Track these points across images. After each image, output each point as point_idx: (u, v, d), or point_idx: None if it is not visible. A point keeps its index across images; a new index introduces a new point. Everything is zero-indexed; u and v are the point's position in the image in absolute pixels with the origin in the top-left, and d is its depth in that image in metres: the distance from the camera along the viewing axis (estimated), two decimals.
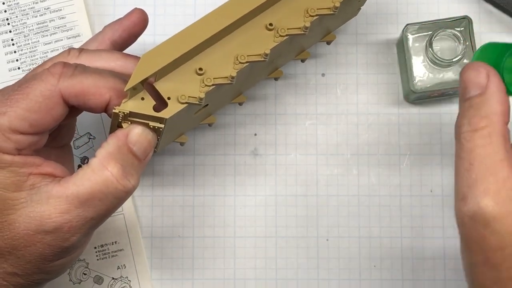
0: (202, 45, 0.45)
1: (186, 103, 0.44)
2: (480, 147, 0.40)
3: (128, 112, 0.43)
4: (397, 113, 0.58)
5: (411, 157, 0.57)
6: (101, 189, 0.43)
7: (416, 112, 0.58)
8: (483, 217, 0.39)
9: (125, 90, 0.43)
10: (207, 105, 0.48)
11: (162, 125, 0.44)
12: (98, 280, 0.56)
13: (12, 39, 0.57)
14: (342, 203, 0.57)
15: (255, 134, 0.58)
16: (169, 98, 0.44)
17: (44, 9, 0.57)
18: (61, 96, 0.44)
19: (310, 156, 0.57)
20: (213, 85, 0.45)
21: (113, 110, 0.43)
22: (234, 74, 0.45)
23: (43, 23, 0.57)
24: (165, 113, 0.44)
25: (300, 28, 0.46)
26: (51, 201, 0.43)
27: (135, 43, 0.51)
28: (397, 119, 0.57)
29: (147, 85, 0.44)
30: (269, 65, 0.51)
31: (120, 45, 0.50)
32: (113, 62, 0.47)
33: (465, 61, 0.54)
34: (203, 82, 0.45)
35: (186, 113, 0.46)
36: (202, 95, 0.44)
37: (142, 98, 0.44)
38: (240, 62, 0.45)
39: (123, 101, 0.44)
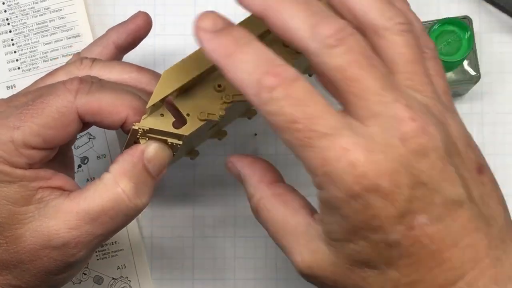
0: None
1: (205, 120, 0.44)
2: (267, 220, 0.42)
3: (147, 128, 0.43)
4: None
5: None
6: (113, 207, 0.42)
7: None
8: (306, 273, 0.41)
9: (147, 107, 0.42)
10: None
11: (180, 142, 0.44)
12: (98, 280, 0.56)
13: (12, 39, 0.57)
14: None
15: (255, 134, 0.58)
16: (188, 115, 0.44)
17: (44, 9, 0.57)
18: (77, 113, 0.43)
19: None
20: (232, 102, 0.44)
21: (133, 127, 0.43)
22: None
23: (43, 23, 0.57)
24: (184, 130, 0.43)
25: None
26: (59, 216, 0.42)
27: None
28: None
29: (166, 102, 0.44)
30: None
31: (124, 49, 0.50)
32: (126, 74, 0.46)
33: (465, 61, 0.54)
34: (222, 99, 0.44)
35: (203, 130, 0.46)
36: (222, 112, 0.44)
37: (162, 115, 0.43)
38: None
39: (143, 117, 0.43)
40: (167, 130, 0.43)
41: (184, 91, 0.44)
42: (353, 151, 0.35)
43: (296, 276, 0.56)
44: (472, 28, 0.53)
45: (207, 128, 0.47)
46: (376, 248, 0.36)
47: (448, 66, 0.53)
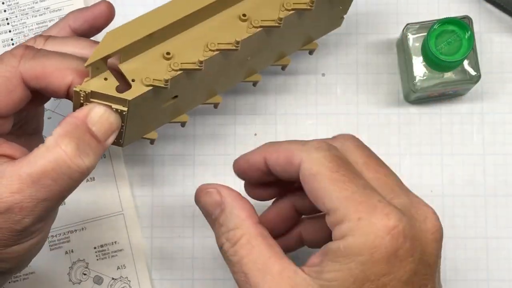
0: (172, 30, 0.43)
1: (150, 85, 0.43)
2: (246, 257, 0.42)
3: (89, 91, 0.42)
4: (397, 113, 0.58)
5: (411, 157, 0.57)
6: (54, 168, 0.41)
7: (416, 112, 0.58)
8: None
9: (85, 65, 0.41)
10: (176, 96, 0.47)
11: (126, 108, 0.43)
12: (98, 280, 0.56)
13: (12, 39, 0.57)
14: None
15: (255, 134, 0.58)
16: (133, 80, 0.43)
17: (44, 9, 0.57)
18: (21, 78, 0.43)
19: None
20: (180, 69, 0.43)
21: (74, 88, 0.42)
22: (202, 59, 0.43)
23: (42, 23, 0.57)
24: (128, 95, 0.42)
25: (274, 20, 0.45)
26: (3, 181, 0.41)
27: None
28: (397, 119, 0.57)
29: (113, 68, 0.43)
30: (244, 64, 0.49)
31: (80, 35, 0.49)
32: (79, 49, 0.45)
33: (465, 61, 0.54)
34: (170, 66, 0.43)
35: (153, 103, 0.45)
36: (168, 77, 0.43)
37: (105, 79, 0.42)
38: (210, 50, 0.44)
39: (85, 80, 0.42)
40: (109, 94, 0.42)
41: (132, 57, 0.43)
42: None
43: None
44: (472, 28, 0.53)
45: (160, 102, 0.46)
46: None
47: (448, 66, 0.53)
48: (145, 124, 0.48)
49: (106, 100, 0.43)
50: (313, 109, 0.58)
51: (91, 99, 0.42)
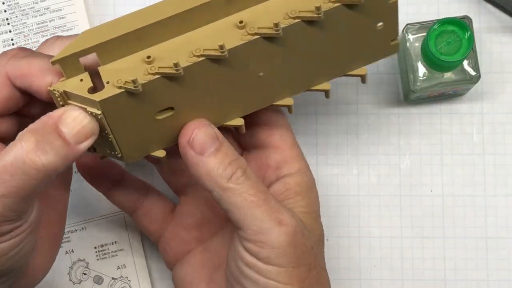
0: (158, 34, 0.42)
1: (120, 87, 0.41)
2: (255, 180, 0.44)
3: (62, 91, 0.41)
4: (397, 113, 0.58)
5: (411, 157, 0.57)
6: (12, 162, 0.40)
7: (416, 112, 0.58)
8: (300, 227, 0.44)
9: (51, 61, 0.41)
10: (172, 108, 0.44)
11: (99, 112, 0.41)
12: (98, 280, 0.56)
13: (12, 39, 0.57)
14: (342, 203, 0.57)
15: None
16: (108, 82, 0.41)
17: (44, 9, 0.57)
18: (7, 77, 0.43)
19: (310, 156, 0.57)
20: (156, 73, 0.41)
21: (48, 88, 0.41)
22: (182, 64, 0.41)
23: (43, 23, 0.57)
24: (97, 96, 0.40)
25: (271, 27, 0.41)
26: None
27: None
28: (397, 119, 0.57)
29: (93, 70, 0.42)
30: (260, 81, 0.44)
31: None
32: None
33: (465, 61, 0.54)
34: (147, 70, 0.41)
35: (141, 111, 0.43)
36: (141, 80, 0.41)
37: (81, 80, 0.41)
38: (194, 55, 0.41)
39: (60, 79, 0.42)
40: (79, 94, 0.41)
41: (113, 60, 0.42)
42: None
43: None
44: (472, 28, 0.53)
45: (152, 113, 0.43)
46: None
47: (448, 66, 0.53)
48: (145, 138, 0.45)
49: (82, 102, 0.41)
50: (313, 109, 0.58)
51: (69, 101, 0.42)
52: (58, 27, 0.57)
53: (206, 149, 0.43)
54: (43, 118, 0.41)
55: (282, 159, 0.47)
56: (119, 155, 0.45)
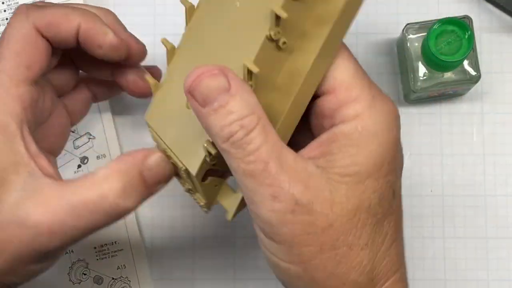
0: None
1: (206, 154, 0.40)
2: (265, 144, 0.37)
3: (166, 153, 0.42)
4: None
5: (411, 157, 0.57)
6: (95, 202, 0.40)
7: (416, 112, 0.58)
8: (302, 205, 0.37)
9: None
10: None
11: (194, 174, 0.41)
12: (98, 280, 0.56)
13: None
14: None
15: None
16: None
17: None
18: (36, 29, 0.43)
19: None
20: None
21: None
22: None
23: None
24: (192, 168, 0.41)
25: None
26: (39, 199, 0.40)
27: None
28: None
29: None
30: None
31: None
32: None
33: (465, 61, 0.54)
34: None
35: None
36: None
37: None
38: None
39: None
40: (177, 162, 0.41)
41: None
42: None
43: None
44: (472, 28, 0.53)
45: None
46: (387, 190, 0.39)
47: (448, 66, 0.53)
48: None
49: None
50: None
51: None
52: None
53: (207, 103, 0.37)
54: (128, 158, 0.41)
55: (336, 105, 0.39)
56: (207, 210, 0.45)
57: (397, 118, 0.39)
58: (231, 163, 0.37)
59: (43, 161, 0.42)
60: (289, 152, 0.37)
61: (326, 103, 0.39)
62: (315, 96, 0.39)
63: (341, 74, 0.38)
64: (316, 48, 0.38)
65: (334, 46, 0.38)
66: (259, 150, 0.37)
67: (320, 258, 0.38)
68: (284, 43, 0.37)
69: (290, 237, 0.37)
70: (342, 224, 0.37)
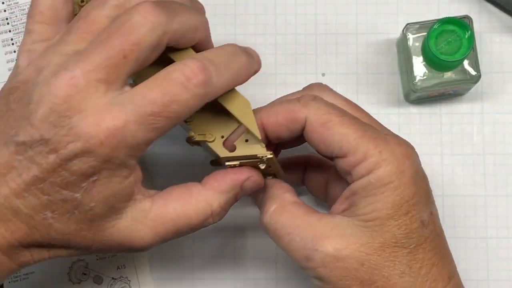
0: None
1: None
2: (280, 218, 0.45)
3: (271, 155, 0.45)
4: (397, 113, 0.58)
5: None
6: (198, 224, 0.44)
7: (416, 112, 0.58)
8: (335, 256, 0.43)
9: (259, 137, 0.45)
10: None
11: (271, 156, 0.45)
12: (98, 280, 0.56)
13: (12, 39, 0.57)
14: None
15: None
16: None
17: None
18: (167, 37, 0.42)
19: None
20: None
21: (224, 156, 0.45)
22: None
23: None
24: (268, 153, 0.45)
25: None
26: (147, 222, 0.43)
27: None
28: (397, 119, 0.57)
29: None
30: None
31: None
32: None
33: (465, 61, 0.54)
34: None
35: None
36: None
37: (246, 140, 0.46)
38: None
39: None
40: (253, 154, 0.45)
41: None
42: None
43: (296, 276, 0.56)
44: (473, 28, 0.53)
45: None
46: (413, 224, 0.43)
47: (448, 66, 0.53)
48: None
49: (248, 159, 0.46)
50: None
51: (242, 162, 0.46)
52: None
53: None
54: (231, 182, 0.45)
55: (350, 166, 0.45)
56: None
57: (409, 157, 0.44)
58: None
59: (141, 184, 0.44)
60: (313, 214, 0.45)
61: (341, 164, 0.45)
62: (333, 157, 0.46)
63: (347, 143, 0.44)
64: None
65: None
66: (275, 225, 0.45)
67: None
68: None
69: (334, 282, 0.44)
70: (373, 260, 0.43)
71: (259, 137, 0.45)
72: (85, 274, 0.56)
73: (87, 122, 0.39)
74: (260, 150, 0.45)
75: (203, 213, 0.44)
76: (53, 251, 0.43)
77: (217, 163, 0.49)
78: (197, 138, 0.45)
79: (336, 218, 0.44)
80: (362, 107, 0.57)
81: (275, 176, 0.49)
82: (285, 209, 0.45)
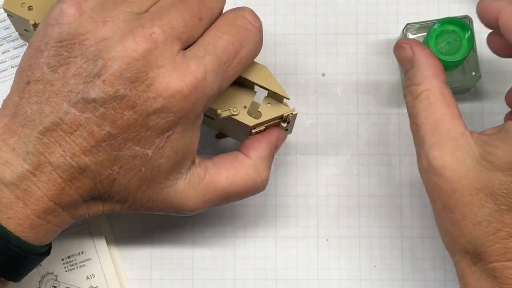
0: None
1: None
2: (423, 111, 0.45)
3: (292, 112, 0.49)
4: (397, 113, 0.58)
5: (411, 157, 0.57)
6: (248, 191, 0.47)
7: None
8: (434, 168, 0.44)
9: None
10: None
11: (295, 112, 0.49)
12: None
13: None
14: (342, 203, 0.57)
15: None
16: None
17: None
18: None
19: (310, 156, 0.57)
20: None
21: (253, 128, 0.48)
22: None
23: None
24: (292, 110, 0.49)
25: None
26: (200, 190, 0.45)
27: None
28: (397, 119, 0.57)
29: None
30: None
31: None
32: None
33: (465, 61, 0.54)
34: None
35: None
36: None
37: (269, 103, 0.49)
38: None
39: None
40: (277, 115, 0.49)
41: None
42: None
43: (295, 276, 0.56)
44: (473, 28, 0.53)
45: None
46: None
47: (448, 66, 0.53)
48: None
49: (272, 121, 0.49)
50: (313, 109, 0.58)
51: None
52: None
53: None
54: (266, 145, 0.48)
55: None
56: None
57: None
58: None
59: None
60: (447, 121, 0.44)
61: None
62: None
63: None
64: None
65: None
66: (416, 115, 0.45)
67: (441, 215, 0.45)
68: None
69: (426, 188, 0.46)
70: (463, 196, 0.43)
71: (287, 96, 0.48)
72: (55, 287, 0.55)
73: (169, 77, 0.40)
74: (285, 109, 0.48)
75: (252, 182, 0.46)
76: (108, 205, 0.44)
77: (222, 135, 0.52)
78: (224, 114, 0.47)
79: (462, 138, 0.44)
80: (362, 107, 0.58)
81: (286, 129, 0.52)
82: (429, 101, 0.45)
